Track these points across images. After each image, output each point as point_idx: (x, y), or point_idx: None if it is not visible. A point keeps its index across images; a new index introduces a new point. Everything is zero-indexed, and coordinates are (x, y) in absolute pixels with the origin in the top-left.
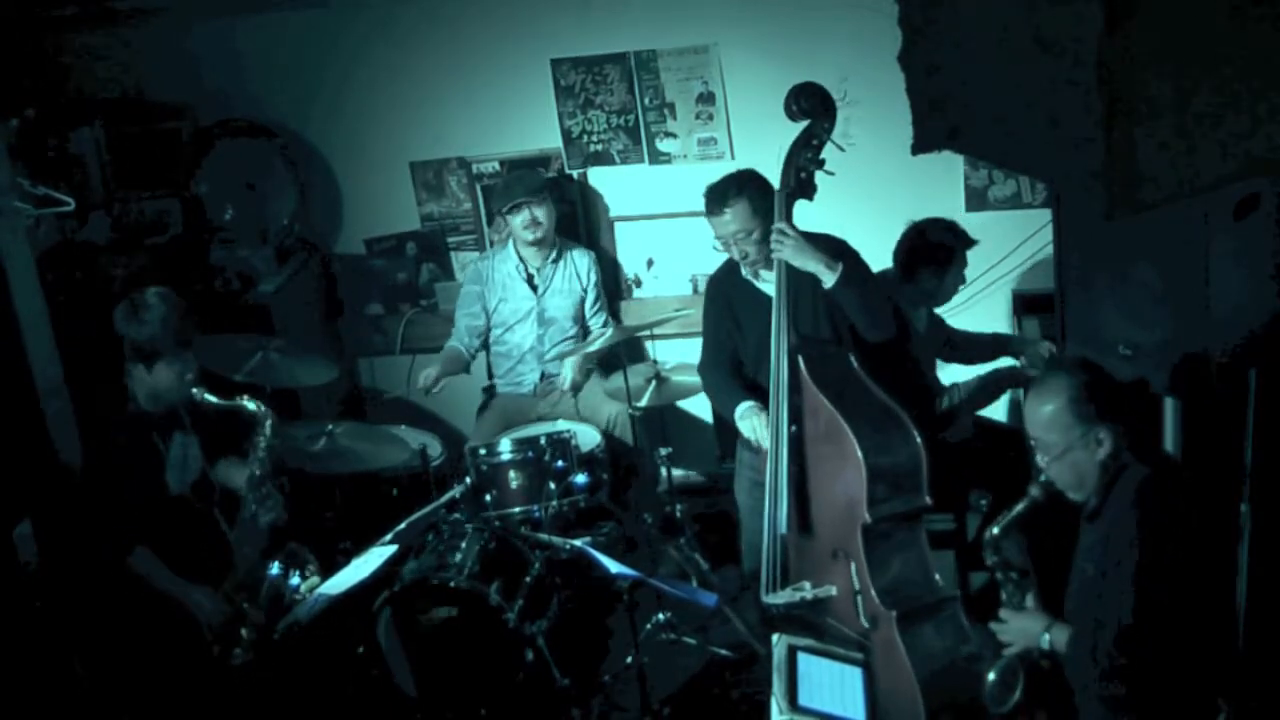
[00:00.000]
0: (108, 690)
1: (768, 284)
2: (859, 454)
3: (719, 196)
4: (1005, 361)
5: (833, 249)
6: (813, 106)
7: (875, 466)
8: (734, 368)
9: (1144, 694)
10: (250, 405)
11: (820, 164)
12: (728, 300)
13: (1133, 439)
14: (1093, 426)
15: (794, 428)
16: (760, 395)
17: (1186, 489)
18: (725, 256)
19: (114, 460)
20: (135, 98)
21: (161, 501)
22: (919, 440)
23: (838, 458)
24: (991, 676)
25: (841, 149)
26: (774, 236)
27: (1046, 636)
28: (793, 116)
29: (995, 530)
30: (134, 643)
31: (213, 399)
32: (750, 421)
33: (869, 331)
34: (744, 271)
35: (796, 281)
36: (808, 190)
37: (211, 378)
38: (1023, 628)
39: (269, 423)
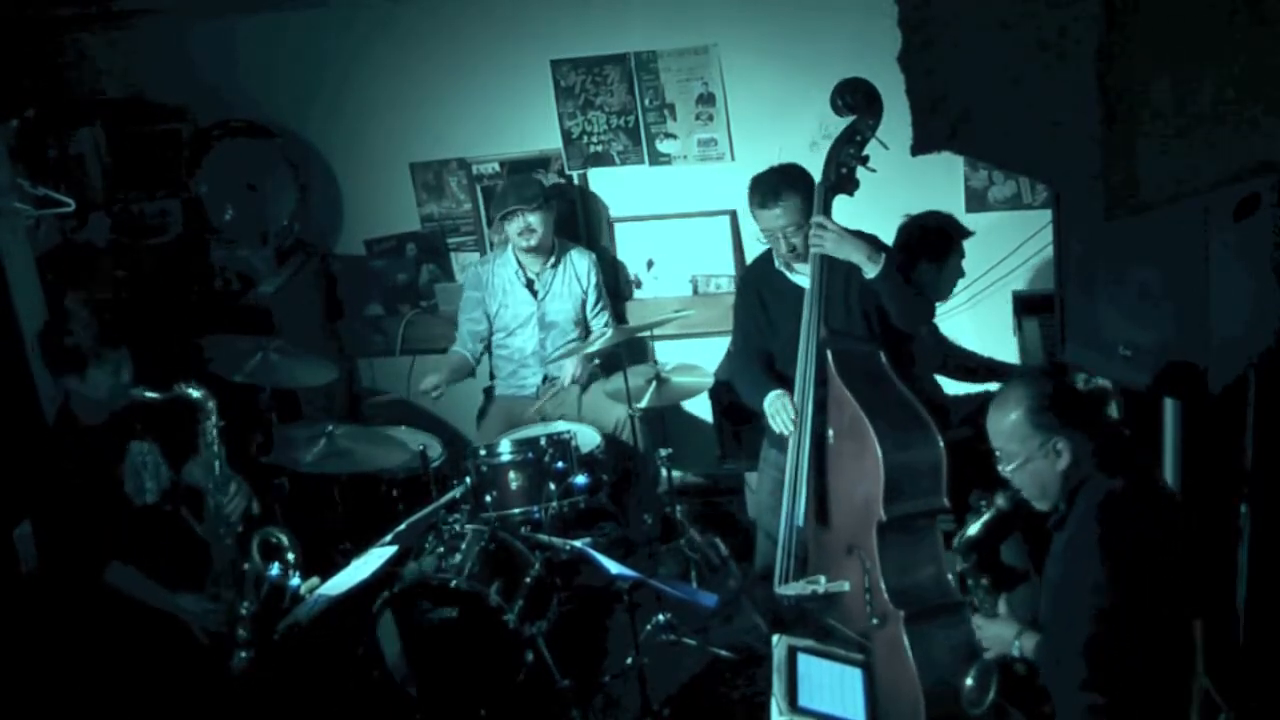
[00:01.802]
0: (109, 692)
1: (801, 276)
2: (878, 451)
3: (771, 190)
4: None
5: (873, 242)
6: (858, 102)
7: (894, 465)
8: (764, 361)
9: (1115, 704)
10: (193, 393)
11: (863, 160)
12: (760, 293)
13: (1099, 449)
14: (1051, 436)
15: (831, 433)
16: (789, 388)
17: (1153, 502)
18: (754, 253)
19: (71, 478)
20: (135, 98)
21: (128, 514)
22: (941, 443)
23: (858, 454)
24: (969, 681)
25: (886, 146)
26: (813, 230)
27: (1017, 644)
28: (838, 111)
29: (963, 539)
30: (130, 662)
31: (152, 394)
32: (777, 405)
33: (904, 319)
34: (777, 263)
35: (830, 276)
36: (848, 185)
37: (147, 374)
38: (995, 634)
39: (211, 405)
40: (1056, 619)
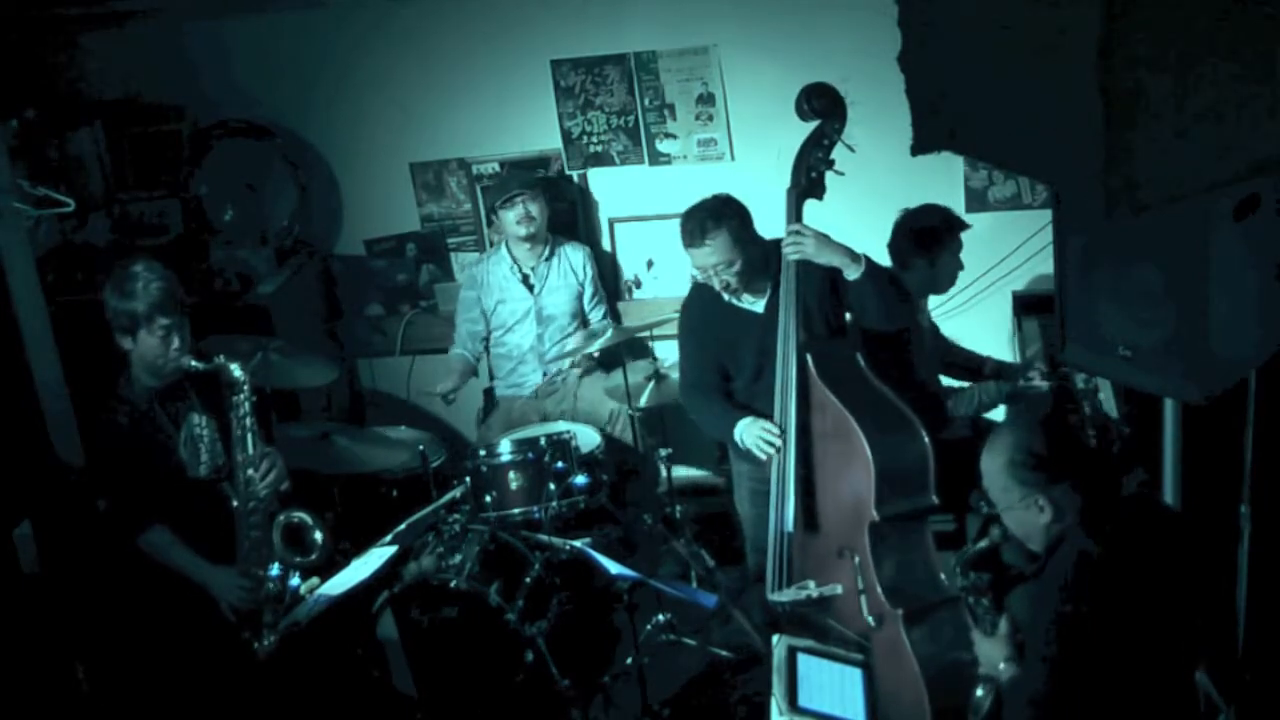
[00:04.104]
0: (111, 695)
1: (749, 304)
2: (867, 452)
3: (697, 229)
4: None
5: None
6: (824, 106)
7: (884, 465)
8: (723, 389)
9: None
10: (233, 366)
11: (830, 164)
12: (711, 323)
13: (1087, 507)
14: (1032, 492)
15: (814, 437)
16: (753, 415)
17: (1131, 566)
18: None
19: (114, 443)
20: (135, 98)
21: (179, 483)
22: (927, 439)
23: (845, 456)
24: (979, 692)
25: (851, 149)
26: (790, 238)
27: (1002, 667)
28: (804, 116)
29: (961, 559)
30: (151, 636)
31: (196, 364)
32: (755, 433)
33: (887, 319)
34: (724, 295)
35: (804, 281)
36: (817, 190)
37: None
38: (986, 654)
39: (245, 380)
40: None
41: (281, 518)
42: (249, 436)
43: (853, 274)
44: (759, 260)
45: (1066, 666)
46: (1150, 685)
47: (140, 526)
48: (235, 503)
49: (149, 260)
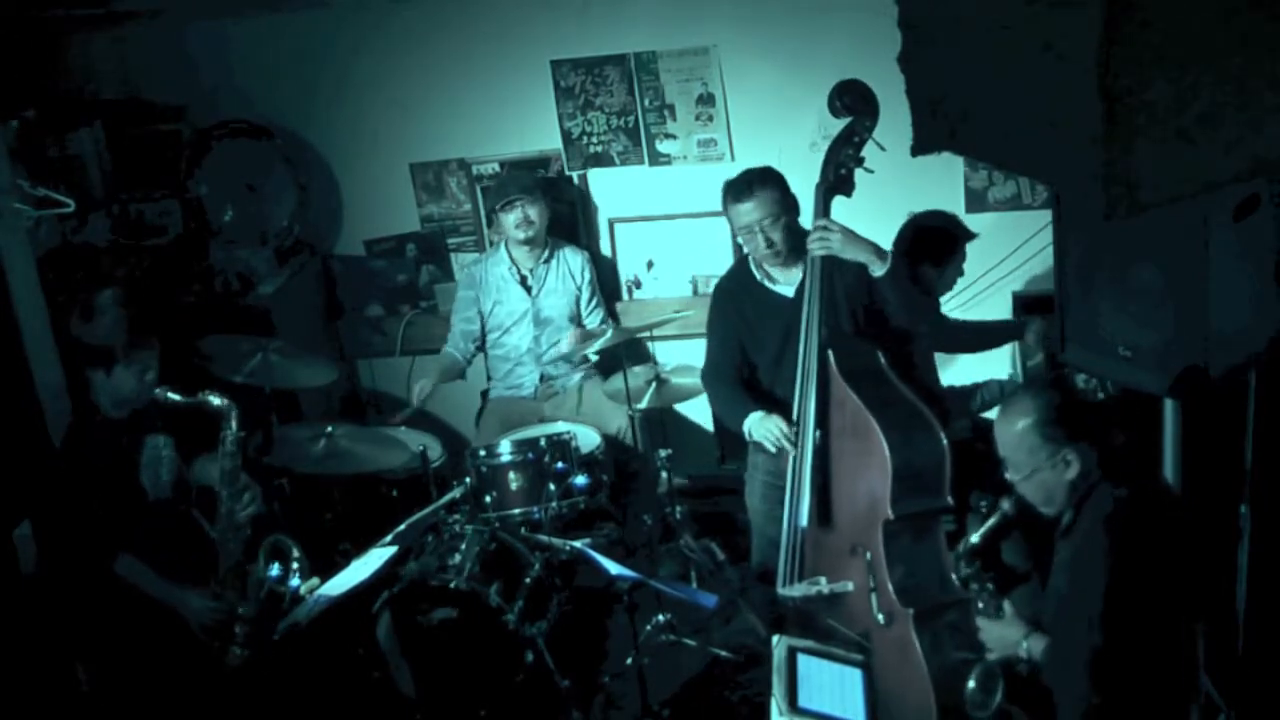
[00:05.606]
0: (110, 694)
1: (781, 286)
2: (886, 450)
3: (744, 185)
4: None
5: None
6: (855, 103)
7: (901, 464)
8: (741, 377)
9: (1119, 707)
10: (215, 400)
11: (860, 161)
12: (740, 307)
13: (1107, 458)
14: (1060, 447)
15: (818, 433)
16: (772, 403)
17: (1161, 511)
18: (725, 266)
19: (88, 469)
20: (135, 98)
21: (140, 506)
22: (945, 441)
23: (863, 453)
24: (971, 684)
25: (882, 148)
26: (816, 232)
27: (1025, 644)
28: (836, 113)
29: (969, 543)
30: (130, 649)
31: (176, 397)
32: (767, 427)
33: (906, 317)
34: (756, 275)
35: (828, 277)
36: (846, 187)
37: (173, 374)
38: (1000, 636)
39: (234, 414)
40: (1065, 626)
41: (267, 543)
42: (229, 463)
43: (878, 270)
44: (798, 233)
45: (1124, 613)
46: (1186, 620)
47: (113, 554)
48: (209, 530)
49: (114, 290)
